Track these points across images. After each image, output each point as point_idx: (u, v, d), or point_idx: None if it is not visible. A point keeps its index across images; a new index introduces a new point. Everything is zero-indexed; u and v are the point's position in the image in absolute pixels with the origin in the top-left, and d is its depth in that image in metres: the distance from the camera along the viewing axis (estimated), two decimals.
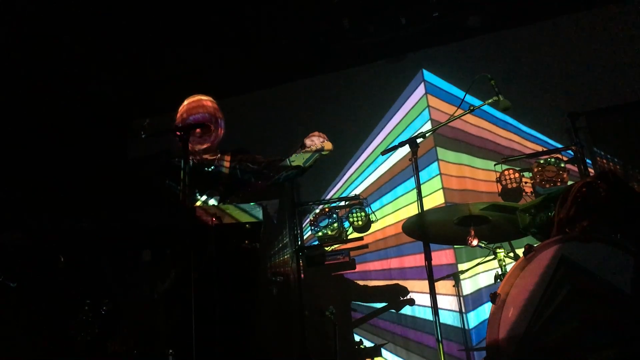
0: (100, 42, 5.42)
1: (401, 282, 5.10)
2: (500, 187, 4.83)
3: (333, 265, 4.99)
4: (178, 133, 3.08)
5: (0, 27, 4.97)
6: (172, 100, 3.78)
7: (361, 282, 5.22)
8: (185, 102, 3.64)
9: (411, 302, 4.86)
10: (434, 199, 5.22)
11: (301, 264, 4.58)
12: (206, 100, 3.66)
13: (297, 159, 3.30)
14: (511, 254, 3.88)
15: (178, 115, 3.61)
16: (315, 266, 4.84)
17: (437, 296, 3.03)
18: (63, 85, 5.75)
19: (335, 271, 5.13)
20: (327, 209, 5.21)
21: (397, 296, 4.93)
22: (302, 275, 4.52)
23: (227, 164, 3.59)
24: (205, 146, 3.55)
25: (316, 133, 3.35)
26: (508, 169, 4.83)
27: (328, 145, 3.28)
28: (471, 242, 3.67)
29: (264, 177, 3.53)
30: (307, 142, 3.33)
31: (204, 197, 3.38)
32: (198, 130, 3.44)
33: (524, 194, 4.79)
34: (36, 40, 5.21)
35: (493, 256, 3.85)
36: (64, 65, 5.57)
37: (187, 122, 3.50)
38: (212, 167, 3.55)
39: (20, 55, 5.29)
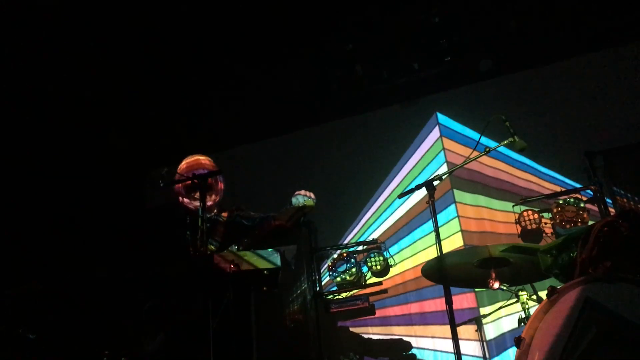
0: (117, 94, 5.57)
1: (422, 327, 5.01)
2: (519, 229, 4.76)
3: (352, 311, 4.92)
4: (195, 181, 3.14)
5: (22, 82, 5.14)
6: (189, 150, 3.86)
7: (363, 334, 5.15)
8: (184, 162, 3.71)
9: (412, 357, 4.77)
10: (453, 242, 5.17)
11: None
12: (204, 159, 3.73)
13: (280, 217, 3.46)
14: (534, 297, 3.80)
15: (177, 175, 3.61)
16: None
17: (460, 341, 2.97)
18: (82, 137, 5.87)
19: (354, 317, 5.06)
20: (345, 254, 5.16)
21: (400, 351, 4.83)
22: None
23: (225, 215, 3.71)
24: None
25: (302, 191, 3.46)
26: (527, 210, 4.77)
27: (309, 202, 3.41)
28: (492, 284, 3.60)
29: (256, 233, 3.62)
30: (293, 200, 3.45)
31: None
32: (197, 194, 3.45)
33: (544, 234, 4.72)
34: (57, 92, 5.37)
35: (515, 299, 3.78)
36: (83, 117, 5.71)
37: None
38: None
39: (40, 106, 5.44)
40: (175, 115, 6.01)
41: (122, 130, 6.04)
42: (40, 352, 3.66)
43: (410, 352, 4.81)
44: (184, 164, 3.70)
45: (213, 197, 3.63)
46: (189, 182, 3.42)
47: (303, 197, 3.40)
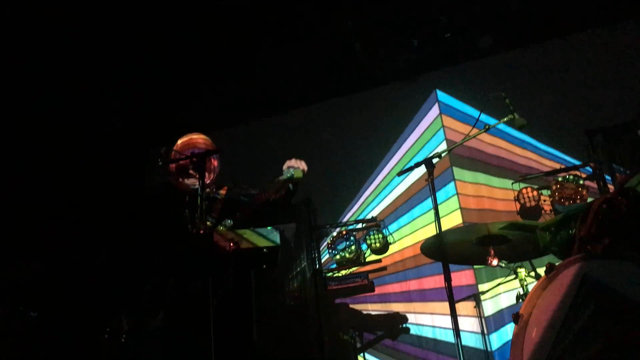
0: (114, 73, 5.53)
1: (421, 304, 5.05)
2: (518, 206, 4.77)
3: (351, 289, 4.94)
4: (194, 160, 3.13)
5: (20, 64, 5.11)
6: (189, 129, 3.86)
7: (362, 311, 5.18)
8: (179, 142, 3.72)
9: (406, 330, 4.82)
10: (452, 219, 5.18)
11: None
12: (197, 138, 3.74)
13: (269, 190, 3.52)
14: (532, 274, 3.83)
15: (172, 155, 3.62)
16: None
17: (458, 318, 2.99)
18: (80, 118, 5.85)
19: (354, 294, 5.09)
20: (344, 232, 5.17)
21: (396, 325, 4.87)
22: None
23: (223, 192, 3.73)
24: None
25: (292, 161, 3.53)
26: (526, 188, 4.77)
27: (298, 174, 3.49)
28: (491, 262, 3.62)
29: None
30: (285, 172, 3.53)
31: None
32: (191, 171, 3.51)
33: (543, 212, 4.72)
34: (54, 75, 5.34)
35: (514, 276, 3.80)
36: (80, 97, 5.68)
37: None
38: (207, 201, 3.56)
39: (39, 89, 5.41)
40: (175, 95, 5.97)
41: (122, 110, 6.02)
42: (42, 330, 3.69)
43: (405, 325, 4.86)
44: (178, 144, 3.71)
45: (207, 175, 3.62)
46: (182, 162, 3.43)
47: (292, 169, 3.46)
